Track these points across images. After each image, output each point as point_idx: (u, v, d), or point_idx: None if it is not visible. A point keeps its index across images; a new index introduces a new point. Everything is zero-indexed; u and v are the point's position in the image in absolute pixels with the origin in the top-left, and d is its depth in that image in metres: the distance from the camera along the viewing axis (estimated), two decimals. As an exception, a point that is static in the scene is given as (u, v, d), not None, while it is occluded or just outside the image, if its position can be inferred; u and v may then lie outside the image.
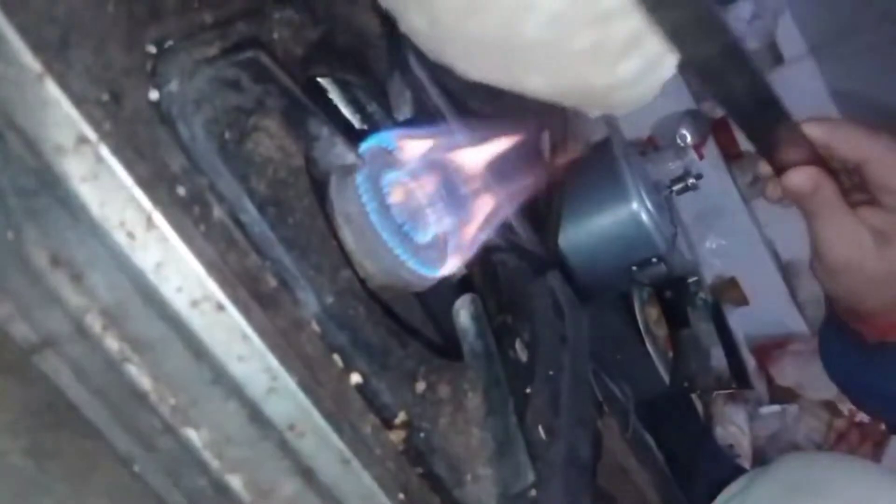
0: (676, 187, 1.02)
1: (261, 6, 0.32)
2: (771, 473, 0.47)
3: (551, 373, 0.45)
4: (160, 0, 0.26)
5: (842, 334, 0.45)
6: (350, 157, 0.31)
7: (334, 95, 0.36)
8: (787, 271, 1.53)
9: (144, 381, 0.22)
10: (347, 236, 0.33)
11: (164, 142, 0.23)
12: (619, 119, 1.49)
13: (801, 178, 0.38)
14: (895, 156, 0.38)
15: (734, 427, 1.18)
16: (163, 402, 0.23)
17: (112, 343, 0.22)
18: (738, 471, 1.06)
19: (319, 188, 0.32)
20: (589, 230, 0.94)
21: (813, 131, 0.38)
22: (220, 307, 0.21)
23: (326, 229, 0.29)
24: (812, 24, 1.50)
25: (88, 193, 0.20)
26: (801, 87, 1.52)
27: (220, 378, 0.22)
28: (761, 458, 1.29)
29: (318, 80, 0.35)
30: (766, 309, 1.49)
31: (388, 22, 0.42)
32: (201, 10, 0.28)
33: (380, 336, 0.29)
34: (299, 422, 0.23)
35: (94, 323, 0.22)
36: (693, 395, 1.10)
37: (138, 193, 0.20)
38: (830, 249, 0.40)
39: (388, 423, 0.27)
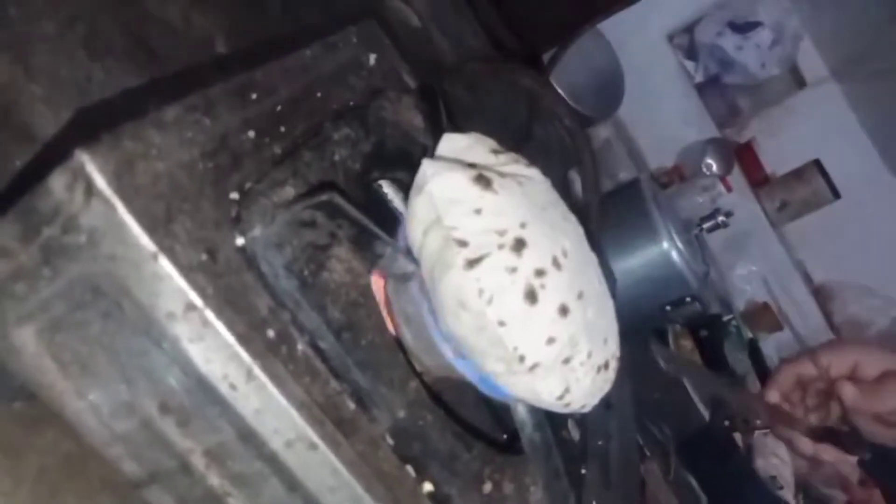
0: (707, 225, 1.03)
1: (320, 125, 0.35)
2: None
3: (600, 443, 0.46)
4: (237, 144, 0.28)
5: None
6: (410, 267, 0.33)
7: (393, 197, 0.38)
8: (819, 295, 1.52)
9: (243, 512, 0.24)
10: (406, 334, 0.35)
11: (251, 286, 0.25)
12: (644, 150, 1.50)
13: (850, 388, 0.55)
14: None
15: (776, 458, 1.17)
16: (260, 530, 0.25)
17: (214, 479, 0.24)
18: (782, 504, 1.05)
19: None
20: (621, 272, 0.95)
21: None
22: (313, 446, 0.23)
23: (394, 341, 0.31)
24: (833, 48, 1.50)
25: (196, 352, 0.22)
26: (824, 109, 1.52)
27: (313, 507, 0.24)
28: (805, 488, 1.28)
29: (376, 184, 0.38)
30: (801, 334, 1.48)
31: (431, 119, 0.44)
32: (271, 143, 0.30)
33: (447, 442, 0.31)
34: (384, 543, 0.25)
35: (199, 462, 0.24)
36: (732, 429, 1.10)
37: (239, 350, 0.22)
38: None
39: (459, 528, 0.29)
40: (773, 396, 0.58)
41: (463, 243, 0.30)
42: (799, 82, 1.54)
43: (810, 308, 1.51)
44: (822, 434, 0.55)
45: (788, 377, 0.58)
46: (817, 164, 1.45)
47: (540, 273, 0.30)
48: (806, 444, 0.57)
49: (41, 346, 0.24)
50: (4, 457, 0.28)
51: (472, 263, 0.29)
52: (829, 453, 0.56)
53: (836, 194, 1.44)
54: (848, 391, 0.55)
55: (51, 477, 0.29)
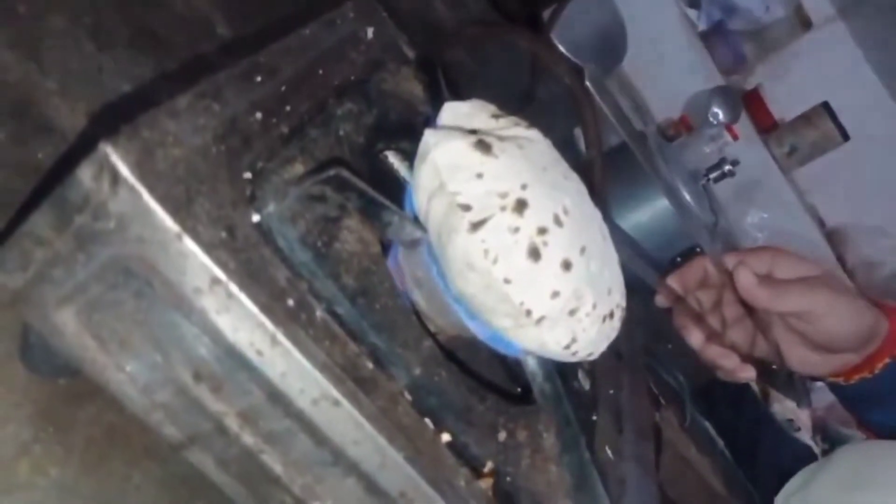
0: (713, 175, 1.03)
1: (324, 101, 0.36)
2: (830, 468, 0.49)
3: (611, 392, 0.48)
4: (246, 126, 0.30)
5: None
6: (417, 234, 0.35)
7: (398, 167, 0.39)
8: (832, 238, 1.52)
9: (277, 467, 0.27)
10: (419, 298, 0.37)
11: (269, 260, 0.27)
12: (650, 102, 1.49)
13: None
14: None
15: (791, 401, 1.19)
16: (293, 482, 0.27)
17: (248, 438, 0.26)
18: (800, 446, 1.07)
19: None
20: (629, 226, 0.96)
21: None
22: (336, 402, 0.25)
23: (407, 304, 0.33)
24: (838, -16, 1.48)
25: (223, 323, 0.24)
26: (831, 50, 1.50)
27: (340, 459, 0.26)
28: (823, 429, 1.30)
29: (382, 155, 0.39)
30: (815, 278, 1.48)
31: (430, 88, 0.45)
32: (279, 123, 0.32)
33: (462, 395, 0.33)
34: (408, 489, 0.27)
35: (232, 423, 0.26)
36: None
37: (263, 319, 0.24)
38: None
39: (478, 473, 0.31)
40: (673, 281, 0.56)
41: (467, 207, 0.31)
42: (804, 23, 1.51)
43: (824, 252, 1.51)
44: (752, 363, 0.54)
45: (695, 268, 0.56)
46: (825, 106, 1.44)
47: (542, 231, 0.32)
48: (696, 338, 0.55)
49: (81, 326, 0.26)
50: (55, 430, 0.30)
51: (477, 226, 0.31)
52: (724, 358, 0.54)
53: (846, 136, 1.43)
54: (743, 276, 0.50)
55: (98, 446, 0.31)
